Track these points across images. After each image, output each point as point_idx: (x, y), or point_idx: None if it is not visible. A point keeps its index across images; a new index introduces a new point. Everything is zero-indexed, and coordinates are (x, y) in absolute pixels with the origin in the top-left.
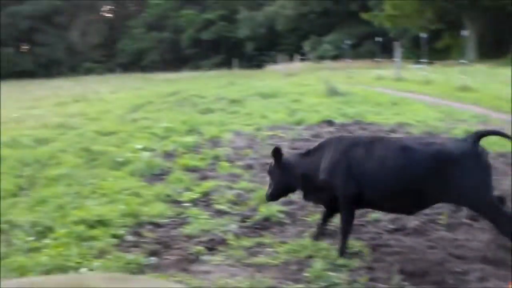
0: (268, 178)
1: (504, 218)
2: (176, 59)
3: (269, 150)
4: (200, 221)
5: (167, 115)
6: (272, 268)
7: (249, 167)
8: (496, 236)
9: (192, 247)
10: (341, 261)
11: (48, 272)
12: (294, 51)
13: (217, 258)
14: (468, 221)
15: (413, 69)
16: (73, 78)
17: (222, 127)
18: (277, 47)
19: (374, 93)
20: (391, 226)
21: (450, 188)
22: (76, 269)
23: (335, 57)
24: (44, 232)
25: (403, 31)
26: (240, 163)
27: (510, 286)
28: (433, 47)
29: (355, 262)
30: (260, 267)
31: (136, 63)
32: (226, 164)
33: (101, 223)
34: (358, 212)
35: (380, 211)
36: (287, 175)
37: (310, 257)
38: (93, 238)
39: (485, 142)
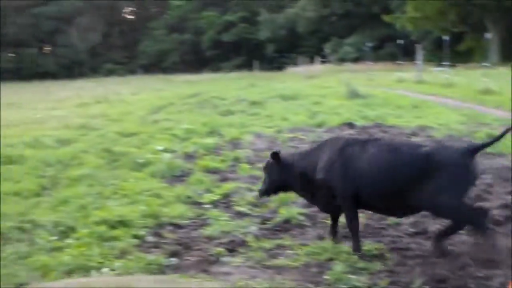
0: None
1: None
2: (196, 60)
3: None
4: (221, 223)
5: (187, 116)
6: (292, 270)
7: None
8: None
9: (212, 248)
10: (361, 264)
11: (70, 271)
12: (315, 53)
13: (237, 260)
14: (491, 225)
15: (434, 71)
16: (94, 79)
17: (243, 129)
18: (298, 49)
19: (395, 95)
20: (412, 230)
21: (427, 192)
22: (98, 269)
23: (356, 60)
24: (66, 232)
25: (425, 33)
26: (260, 165)
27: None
28: (455, 50)
29: (376, 265)
30: (280, 269)
31: (157, 65)
32: (246, 166)
33: (122, 223)
34: (378, 215)
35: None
36: (285, 173)
37: (331, 259)
38: (114, 238)
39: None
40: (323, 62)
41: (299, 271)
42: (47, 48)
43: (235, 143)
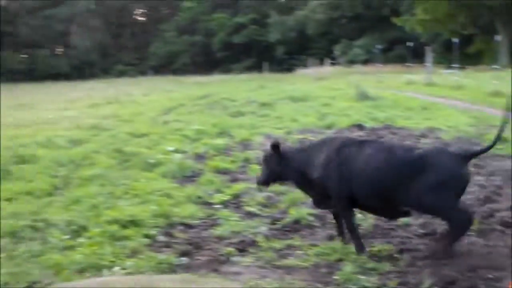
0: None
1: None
2: (207, 62)
3: None
4: (231, 223)
5: (198, 117)
6: (302, 270)
7: None
8: None
9: (222, 248)
10: (371, 264)
11: (82, 270)
12: (325, 55)
13: (247, 260)
14: (500, 227)
15: (444, 74)
16: (106, 80)
17: (253, 130)
18: (308, 51)
19: (405, 97)
20: (422, 231)
21: (415, 192)
22: (109, 268)
23: (365, 62)
24: (78, 231)
25: (434, 35)
26: None
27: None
28: (465, 52)
29: (385, 266)
30: (290, 269)
31: (167, 66)
32: (256, 166)
33: (134, 223)
34: None
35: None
36: (283, 166)
37: (340, 260)
38: (125, 237)
39: None
40: (332, 64)
41: (308, 271)
42: (59, 50)
43: (245, 144)
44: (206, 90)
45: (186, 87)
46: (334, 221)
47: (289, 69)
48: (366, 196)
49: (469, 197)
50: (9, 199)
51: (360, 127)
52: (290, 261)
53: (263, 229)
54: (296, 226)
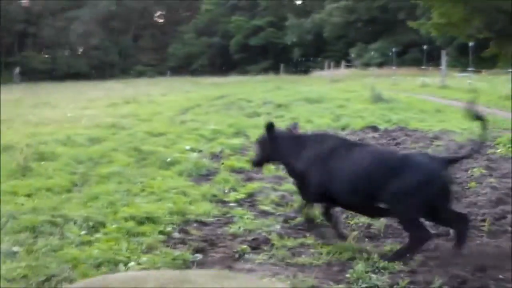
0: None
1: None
2: (224, 63)
3: None
4: (245, 221)
5: (214, 117)
6: (315, 268)
7: None
8: None
9: (236, 245)
10: (382, 263)
11: (99, 265)
12: (341, 58)
13: (260, 257)
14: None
15: (458, 77)
16: (125, 81)
17: None
18: (324, 54)
19: (419, 100)
20: (433, 231)
21: (392, 194)
22: (125, 263)
23: (380, 64)
24: (95, 226)
25: (449, 39)
26: None
27: None
28: (480, 56)
29: (397, 265)
30: (302, 267)
31: (186, 67)
32: (271, 166)
33: (150, 220)
34: None
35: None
36: (274, 148)
37: (352, 259)
38: (141, 234)
39: None
40: (347, 66)
41: (321, 269)
42: (80, 50)
43: None
44: (223, 91)
45: (204, 87)
46: (324, 217)
47: (305, 71)
48: (347, 195)
49: (481, 198)
50: (29, 195)
51: (374, 128)
52: (302, 259)
53: (277, 227)
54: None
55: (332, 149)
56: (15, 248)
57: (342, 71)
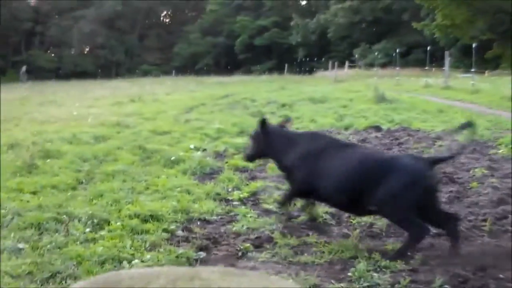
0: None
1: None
2: (229, 63)
3: None
4: (248, 219)
5: (219, 117)
6: (317, 267)
7: None
8: None
9: (239, 243)
10: (384, 262)
11: (103, 262)
12: (345, 58)
13: (263, 255)
14: None
15: (461, 78)
16: (130, 80)
17: None
18: (328, 54)
19: (422, 100)
20: (434, 231)
21: (378, 191)
22: (129, 260)
23: (384, 65)
24: (100, 224)
25: (453, 40)
26: None
27: None
28: (483, 57)
29: (398, 264)
30: (305, 266)
31: (191, 67)
32: (274, 165)
33: (154, 218)
34: None
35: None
36: (266, 144)
37: (354, 257)
38: (145, 231)
39: None
40: (351, 66)
41: (323, 268)
42: (86, 49)
43: None
44: (228, 90)
45: (208, 87)
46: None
47: (309, 71)
48: (332, 194)
49: (482, 198)
50: (35, 192)
51: (377, 128)
52: (305, 257)
53: (280, 226)
54: (311, 224)
55: (319, 148)
56: (21, 245)
57: (346, 71)
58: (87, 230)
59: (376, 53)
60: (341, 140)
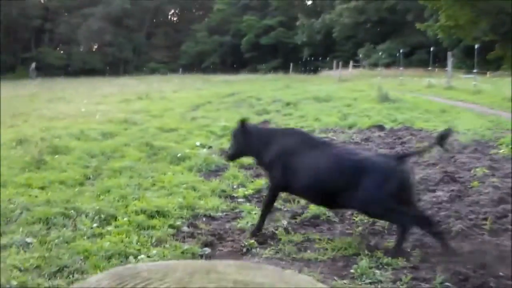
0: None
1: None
2: (235, 62)
3: None
4: (253, 216)
5: (225, 114)
6: (320, 263)
7: None
8: None
9: (244, 240)
10: (386, 259)
11: (110, 257)
12: (349, 58)
13: (267, 252)
14: None
15: (463, 78)
16: (138, 77)
17: None
18: (333, 54)
19: (424, 100)
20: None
21: (357, 194)
22: (135, 255)
23: (388, 65)
24: (107, 219)
25: (456, 41)
26: None
27: None
28: (485, 58)
29: (400, 261)
30: (308, 262)
31: (197, 65)
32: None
33: (160, 213)
34: None
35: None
36: (247, 142)
37: (356, 254)
38: (152, 227)
39: None
40: (355, 66)
41: (326, 265)
42: (94, 47)
43: None
44: (233, 89)
45: (214, 85)
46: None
47: (314, 70)
48: (307, 192)
49: (483, 197)
50: (43, 188)
51: (380, 127)
52: (308, 254)
53: (284, 223)
54: (315, 221)
55: (295, 145)
56: (29, 239)
57: (350, 71)
58: (94, 225)
59: (380, 53)
60: (316, 137)
